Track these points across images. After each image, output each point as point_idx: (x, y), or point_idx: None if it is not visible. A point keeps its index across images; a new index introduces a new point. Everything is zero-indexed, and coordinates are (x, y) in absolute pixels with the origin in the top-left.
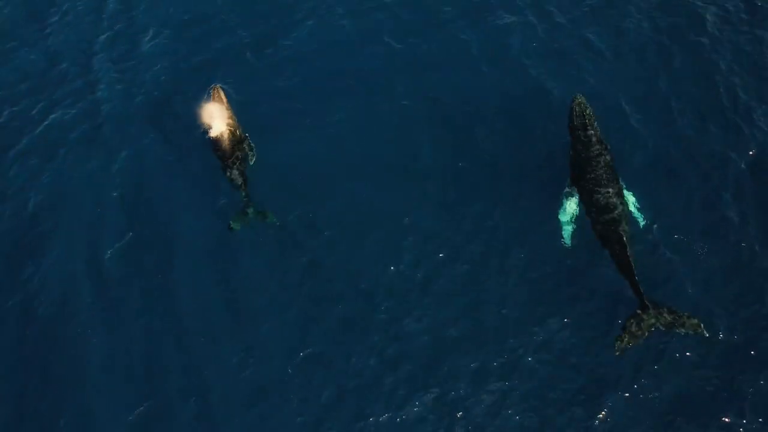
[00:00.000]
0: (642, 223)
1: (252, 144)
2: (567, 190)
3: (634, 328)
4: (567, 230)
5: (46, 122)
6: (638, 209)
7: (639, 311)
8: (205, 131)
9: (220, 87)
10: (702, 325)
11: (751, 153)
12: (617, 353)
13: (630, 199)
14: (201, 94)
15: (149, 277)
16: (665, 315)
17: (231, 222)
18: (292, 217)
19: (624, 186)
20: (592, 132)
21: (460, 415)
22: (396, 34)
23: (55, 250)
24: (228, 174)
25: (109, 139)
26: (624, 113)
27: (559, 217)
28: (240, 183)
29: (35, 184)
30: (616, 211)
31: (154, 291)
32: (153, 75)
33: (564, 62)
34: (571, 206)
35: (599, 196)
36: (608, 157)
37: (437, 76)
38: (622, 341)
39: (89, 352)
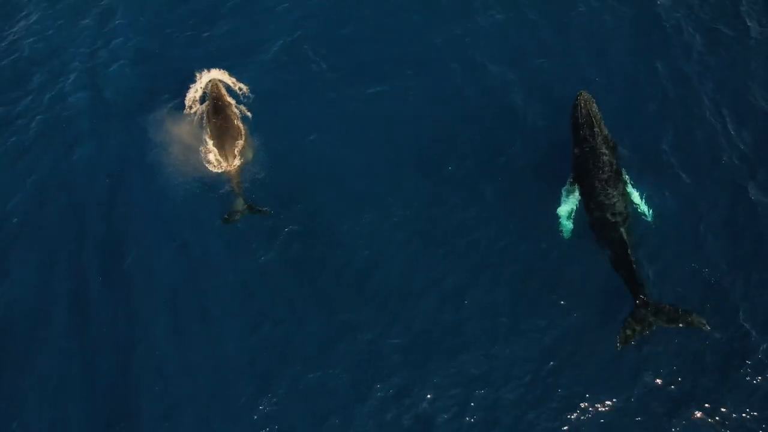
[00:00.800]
0: (648, 218)
1: (251, 139)
2: (568, 186)
3: (634, 325)
4: (566, 225)
5: (29, 132)
6: (645, 205)
7: (640, 308)
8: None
9: (219, 80)
10: (704, 320)
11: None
12: (618, 347)
13: (635, 195)
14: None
15: (129, 292)
16: (666, 311)
17: (225, 215)
18: (279, 236)
19: (630, 181)
20: (597, 129)
21: (454, 421)
22: (387, 36)
23: (32, 263)
24: (225, 170)
25: (92, 151)
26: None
27: (559, 211)
28: (236, 179)
29: (16, 196)
30: (618, 212)
31: (133, 306)
32: (138, 84)
33: (554, 80)
34: (571, 202)
35: (601, 195)
36: (612, 156)
37: (433, 79)
38: (623, 338)
39: (64, 369)
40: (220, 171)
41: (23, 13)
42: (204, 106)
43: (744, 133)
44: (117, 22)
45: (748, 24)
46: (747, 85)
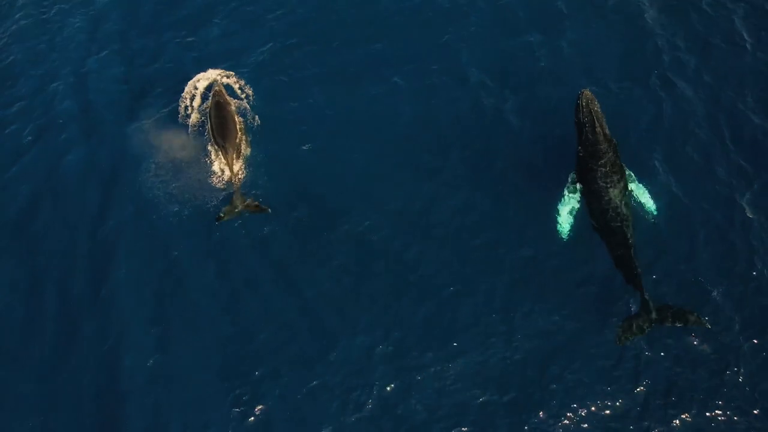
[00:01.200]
0: (651, 215)
1: (248, 136)
2: (570, 184)
3: (635, 323)
4: (565, 224)
5: (20, 139)
6: (650, 201)
7: (641, 307)
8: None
9: (221, 82)
10: (705, 319)
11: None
12: (619, 344)
13: (639, 192)
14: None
15: (121, 302)
16: (666, 311)
17: (221, 213)
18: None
19: (635, 179)
20: (599, 129)
21: (450, 417)
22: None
23: (22, 274)
24: (224, 165)
25: (85, 159)
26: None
27: (558, 209)
28: (234, 174)
29: (8, 205)
30: (621, 212)
31: (124, 317)
32: (132, 89)
33: (550, 85)
34: (571, 200)
35: (604, 194)
36: (614, 154)
37: (431, 84)
38: (622, 335)
39: (51, 381)
40: (222, 184)
41: (15, 17)
42: (203, 108)
43: (739, 144)
44: (110, 27)
45: (744, 36)
46: (742, 97)
